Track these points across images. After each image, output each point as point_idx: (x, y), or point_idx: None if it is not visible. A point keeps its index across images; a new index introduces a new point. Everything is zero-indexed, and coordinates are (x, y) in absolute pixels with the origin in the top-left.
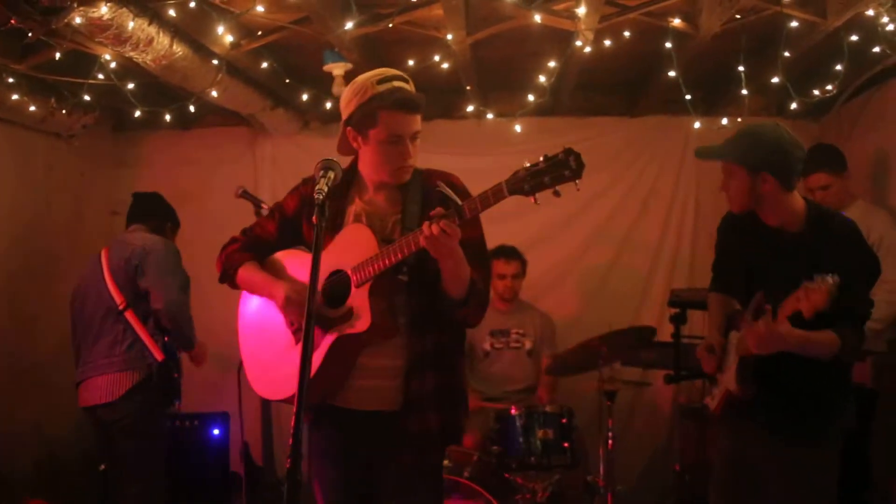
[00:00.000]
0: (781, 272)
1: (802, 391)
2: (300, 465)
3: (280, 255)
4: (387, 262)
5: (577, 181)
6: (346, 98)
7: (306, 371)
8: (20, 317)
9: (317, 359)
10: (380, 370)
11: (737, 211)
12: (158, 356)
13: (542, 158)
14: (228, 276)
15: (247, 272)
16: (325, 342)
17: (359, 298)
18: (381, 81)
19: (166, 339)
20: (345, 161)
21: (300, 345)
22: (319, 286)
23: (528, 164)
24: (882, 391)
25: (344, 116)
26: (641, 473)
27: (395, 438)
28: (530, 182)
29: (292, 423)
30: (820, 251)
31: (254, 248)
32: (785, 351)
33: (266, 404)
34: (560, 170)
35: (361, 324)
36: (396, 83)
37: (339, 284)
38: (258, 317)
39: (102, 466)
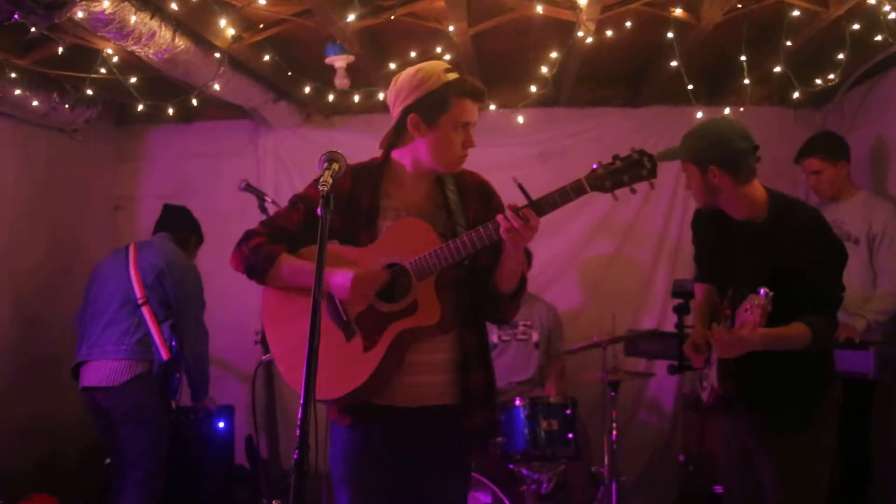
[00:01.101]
0: (751, 263)
1: (783, 382)
2: (307, 457)
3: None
4: (457, 254)
5: (652, 181)
6: (411, 85)
7: (313, 363)
8: (23, 312)
9: (377, 354)
10: (429, 365)
11: (702, 207)
12: (165, 355)
13: (614, 158)
14: (260, 271)
15: (291, 263)
16: (387, 336)
17: (423, 291)
18: (447, 71)
19: (174, 343)
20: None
21: (354, 341)
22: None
23: (601, 163)
24: (886, 382)
25: (406, 103)
26: (646, 464)
27: (441, 434)
28: (611, 179)
29: (299, 415)
30: (783, 240)
31: (282, 240)
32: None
33: (271, 397)
34: (637, 169)
35: (430, 317)
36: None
37: (392, 278)
38: (294, 314)
39: (107, 461)
